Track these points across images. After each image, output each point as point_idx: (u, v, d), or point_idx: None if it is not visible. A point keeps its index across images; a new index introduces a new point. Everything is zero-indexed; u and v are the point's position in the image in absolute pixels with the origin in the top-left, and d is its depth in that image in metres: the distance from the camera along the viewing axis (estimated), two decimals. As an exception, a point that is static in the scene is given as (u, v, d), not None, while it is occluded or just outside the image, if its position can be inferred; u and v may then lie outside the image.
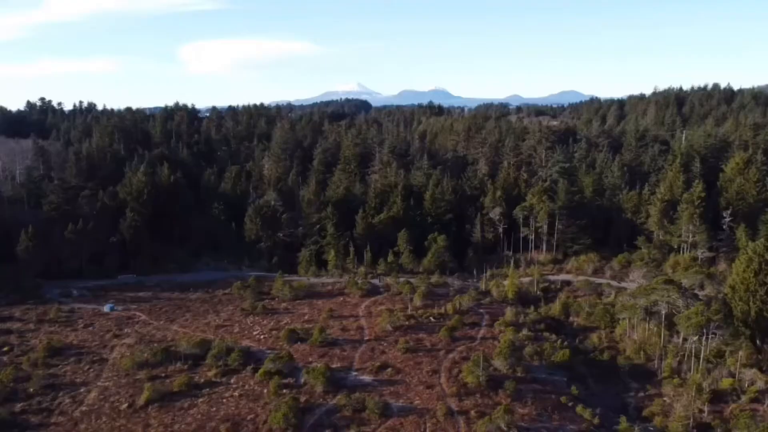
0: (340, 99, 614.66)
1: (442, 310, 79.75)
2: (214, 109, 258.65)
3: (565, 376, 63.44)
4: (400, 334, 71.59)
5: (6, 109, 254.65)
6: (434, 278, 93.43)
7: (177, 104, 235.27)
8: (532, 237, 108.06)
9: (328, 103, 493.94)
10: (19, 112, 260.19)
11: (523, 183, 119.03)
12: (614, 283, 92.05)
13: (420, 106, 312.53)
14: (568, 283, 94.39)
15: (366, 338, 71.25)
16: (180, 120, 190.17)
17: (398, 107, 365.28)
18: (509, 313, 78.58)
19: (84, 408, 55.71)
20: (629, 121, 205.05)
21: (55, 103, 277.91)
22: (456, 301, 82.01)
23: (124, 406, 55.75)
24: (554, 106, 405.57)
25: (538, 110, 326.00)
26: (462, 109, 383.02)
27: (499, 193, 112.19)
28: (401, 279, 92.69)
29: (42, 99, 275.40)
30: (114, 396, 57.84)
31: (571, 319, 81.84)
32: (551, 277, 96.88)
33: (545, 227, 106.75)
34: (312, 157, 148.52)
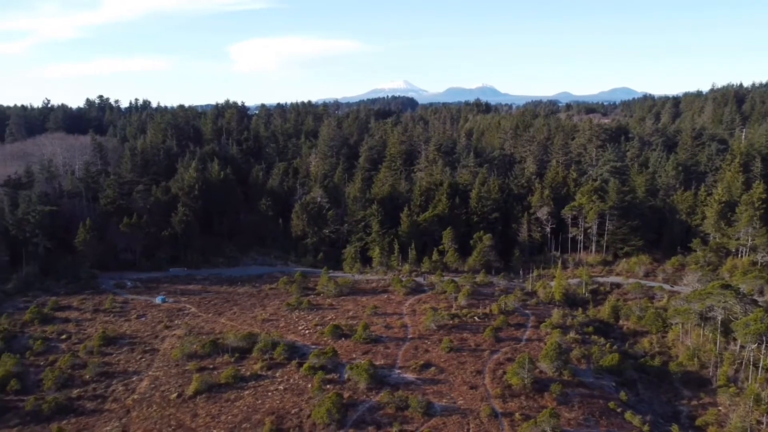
0: (387, 96, 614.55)
1: (487, 310, 78.94)
2: (263, 106, 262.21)
3: (614, 381, 61.84)
4: (443, 333, 71.22)
5: (67, 107, 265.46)
6: (479, 277, 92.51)
7: (227, 102, 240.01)
8: (581, 237, 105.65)
9: (374, 101, 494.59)
10: (78, 109, 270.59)
11: (572, 182, 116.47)
12: (667, 286, 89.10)
13: (467, 103, 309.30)
14: (617, 285, 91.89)
15: (409, 336, 71.15)
16: (230, 117, 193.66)
17: (444, 105, 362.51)
18: (556, 314, 77.11)
19: (136, 396, 57.61)
20: (685, 119, 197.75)
21: (112, 101, 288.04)
22: (501, 301, 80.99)
23: (174, 395, 57.34)
24: (605, 103, 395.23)
25: (588, 108, 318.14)
26: (510, 106, 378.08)
27: (546, 192, 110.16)
28: (446, 277, 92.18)
29: (100, 97, 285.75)
30: (164, 385, 59.56)
31: (620, 322, 79.68)
32: (600, 279, 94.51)
33: (595, 228, 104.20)
34: (358, 155, 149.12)
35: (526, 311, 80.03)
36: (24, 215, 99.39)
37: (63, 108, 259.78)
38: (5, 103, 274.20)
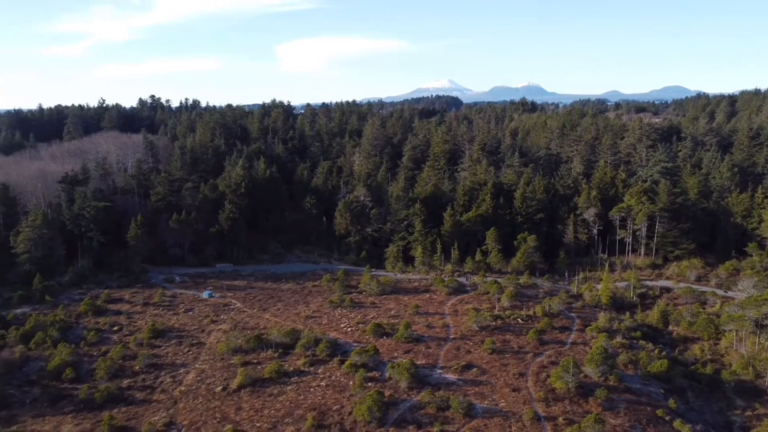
0: (431, 96, 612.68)
1: (531, 312, 77.84)
2: (308, 105, 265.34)
3: (662, 388, 60.00)
4: (486, 334, 70.60)
5: (121, 106, 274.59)
6: (523, 279, 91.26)
7: (273, 101, 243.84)
8: (629, 240, 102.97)
9: (418, 100, 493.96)
10: (131, 108, 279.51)
11: (620, 183, 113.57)
12: (720, 291, 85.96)
13: (512, 102, 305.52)
14: (667, 289, 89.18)
15: (451, 336, 70.82)
16: (276, 116, 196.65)
17: (489, 104, 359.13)
18: (602, 318, 75.42)
19: (182, 388, 59.18)
20: (741, 119, 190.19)
21: (163, 101, 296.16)
22: (545, 303, 79.70)
23: (219, 388, 58.65)
24: (656, 102, 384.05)
25: (638, 107, 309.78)
26: (556, 105, 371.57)
27: (594, 192, 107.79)
28: (488, 278, 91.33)
29: (152, 96, 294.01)
30: (210, 378, 60.99)
31: (670, 328, 77.30)
32: (649, 283, 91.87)
33: (644, 230, 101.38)
34: (401, 154, 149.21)
35: (571, 314, 78.55)
36: (80, 211, 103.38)
37: (117, 107, 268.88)
38: (64, 103, 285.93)
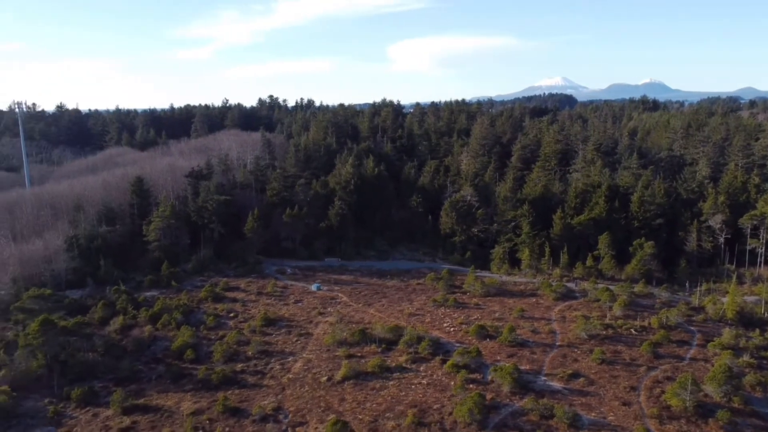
0: (543, 94, 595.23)
1: (645, 323, 73.51)
2: (417, 105, 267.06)
3: (796, 415, 54.41)
4: (595, 343, 67.62)
5: (242, 106, 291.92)
6: (638, 287, 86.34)
7: (383, 101, 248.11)
8: (762, 250, 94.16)
9: (530, 99, 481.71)
10: (251, 108, 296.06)
11: (753, 188, 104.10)
12: None
13: (631, 100, 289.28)
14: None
15: (558, 343, 68.54)
16: (386, 116, 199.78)
17: (606, 102, 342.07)
18: (727, 334, 69.57)
19: (290, 375, 61.89)
20: None
21: (280, 100, 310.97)
22: (662, 314, 74.89)
23: (324, 378, 60.73)
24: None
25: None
26: (681, 103, 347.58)
27: (721, 198, 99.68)
28: (600, 285, 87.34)
29: (270, 96, 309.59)
30: (316, 368, 63.31)
31: (808, 349, 69.79)
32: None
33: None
34: (510, 153, 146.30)
35: (691, 328, 73.23)
36: (203, 203, 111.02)
37: (239, 107, 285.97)
38: (192, 103, 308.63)
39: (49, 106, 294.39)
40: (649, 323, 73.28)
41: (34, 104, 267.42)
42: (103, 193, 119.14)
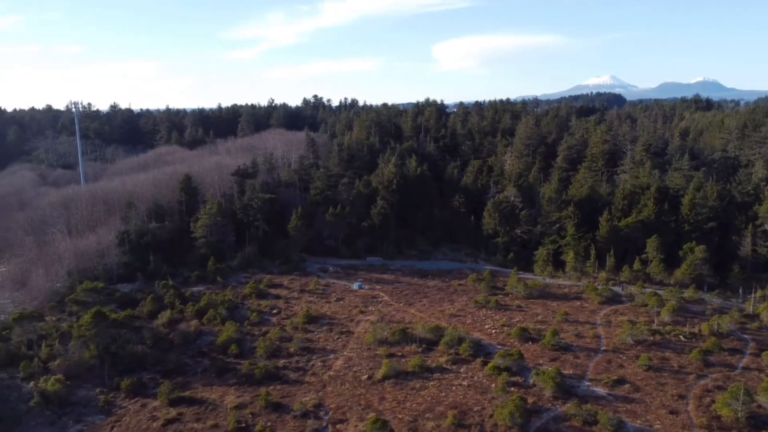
0: (591, 93, 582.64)
1: (695, 330, 71.24)
2: (461, 104, 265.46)
3: None
4: (642, 349, 65.93)
5: (287, 105, 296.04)
6: (688, 293, 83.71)
7: (427, 100, 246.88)
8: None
9: (576, 98, 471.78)
10: (296, 107, 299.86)
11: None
12: None
13: (683, 99, 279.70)
14: None
15: (602, 348, 67.10)
16: (429, 115, 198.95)
17: (657, 101, 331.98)
18: (783, 343, 66.81)
19: (331, 373, 62.50)
20: None
21: (325, 100, 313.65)
22: (713, 321, 72.40)
23: (364, 377, 61.08)
24: None
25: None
26: (736, 102, 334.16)
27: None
28: (647, 289, 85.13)
29: (315, 96, 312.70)
30: (356, 366, 63.73)
31: None
32: None
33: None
34: (555, 154, 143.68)
35: (745, 336, 70.55)
36: (249, 201, 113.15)
37: (284, 107, 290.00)
38: (239, 103, 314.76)
39: (104, 106, 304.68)
40: (699, 330, 70.99)
41: (89, 104, 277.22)
42: (153, 190, 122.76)
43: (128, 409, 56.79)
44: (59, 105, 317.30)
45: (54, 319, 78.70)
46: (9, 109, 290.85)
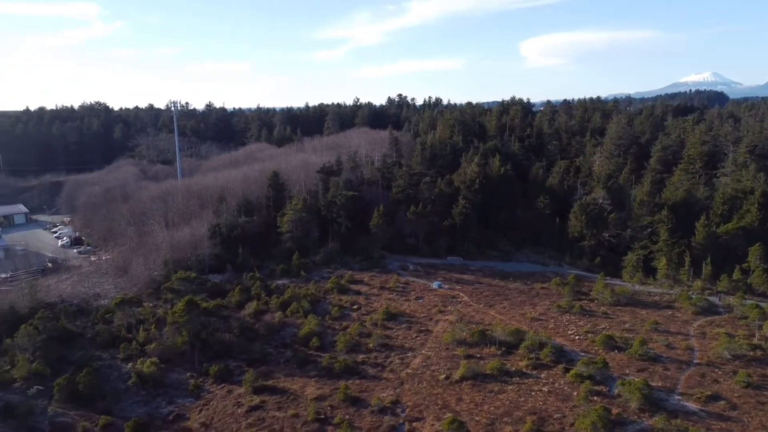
0: (689, 91, 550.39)
1: (803, 347, 65.80)
2: (548, 102, 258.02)
3: None
4: (740, 364, 61.75)
5: (372, 104, 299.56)
6: (795, 306, 77.46)
7: (512, 98, 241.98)
8: None
9: (673, 96, 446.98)
10: (381, 106, 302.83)
11: None
12: None
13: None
14: None
15: (695, 361, 63.41)
16: (514, 114, 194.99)
17: (764, 99, 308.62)
18: None
19: (409, 370, 62.83)
20: None
21: (409, 99, 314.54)
22: (824, 338, 66.64)
23: (442, 376, 60.97)
24: None
25: None
26: None
27: None
28: (748, 301, 79.50)
29: (399, 95, 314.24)
30: (434, 366, 63.72)
31: None
32: None
33: None
34: (649, 155, 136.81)
35: None
36: (332, 198, 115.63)
37: (368, 106, 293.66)
38: (326, 102, 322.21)
39: (199, 105, 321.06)
40: (808, 347, 65.55)
41: (186, 103, 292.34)
42: (243, 185, 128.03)
43: (215, 394, 59.70)
44: (159, 104, 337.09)
45: (151, 305, 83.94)
46: (116, 108, 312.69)
